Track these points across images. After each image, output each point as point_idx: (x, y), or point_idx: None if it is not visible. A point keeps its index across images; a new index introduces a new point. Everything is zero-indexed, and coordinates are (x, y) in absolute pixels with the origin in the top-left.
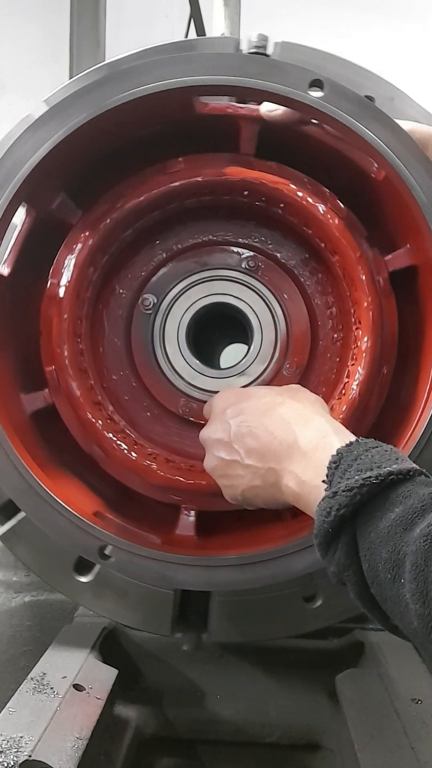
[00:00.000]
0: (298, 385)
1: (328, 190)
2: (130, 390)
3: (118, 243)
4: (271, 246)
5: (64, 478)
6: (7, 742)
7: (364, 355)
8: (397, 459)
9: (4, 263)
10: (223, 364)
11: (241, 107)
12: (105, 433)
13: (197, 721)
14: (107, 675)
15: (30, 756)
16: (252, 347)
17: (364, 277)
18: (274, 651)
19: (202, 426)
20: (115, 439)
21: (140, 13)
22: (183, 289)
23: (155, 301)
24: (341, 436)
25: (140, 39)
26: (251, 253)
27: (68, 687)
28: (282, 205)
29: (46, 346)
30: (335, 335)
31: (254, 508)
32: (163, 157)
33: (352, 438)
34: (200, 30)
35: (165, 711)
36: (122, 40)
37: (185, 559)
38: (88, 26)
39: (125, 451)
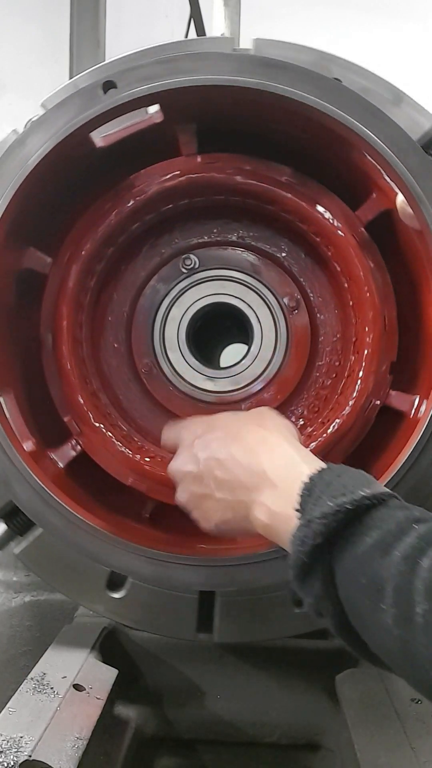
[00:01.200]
0: (267, 408)
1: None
2: (130, 390)
3: (116, 246)
4: (271, 246)
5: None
6: (7, 742)
7: (365, 353)
8: (369, 483)
9: None
10: (222, 364)
11: None
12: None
13: (197, 721)
14: (107, 675)
15: (30, 756)
16: (252, 347)
17: (362, 273)
18: (274, 651)
19: None
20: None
21: (140, 13)
22: (183, 289)
23: (155, 301)
24: (310, 464)
25: (140, 39)
26: (252, 254)
27: (68, 687)
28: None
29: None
30: (335, 335)
31: (230, 537)
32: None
33: (322, 465)
34: (200, 30)
35: (165, 711)
36: (122, 40)
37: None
38: (88, 26)
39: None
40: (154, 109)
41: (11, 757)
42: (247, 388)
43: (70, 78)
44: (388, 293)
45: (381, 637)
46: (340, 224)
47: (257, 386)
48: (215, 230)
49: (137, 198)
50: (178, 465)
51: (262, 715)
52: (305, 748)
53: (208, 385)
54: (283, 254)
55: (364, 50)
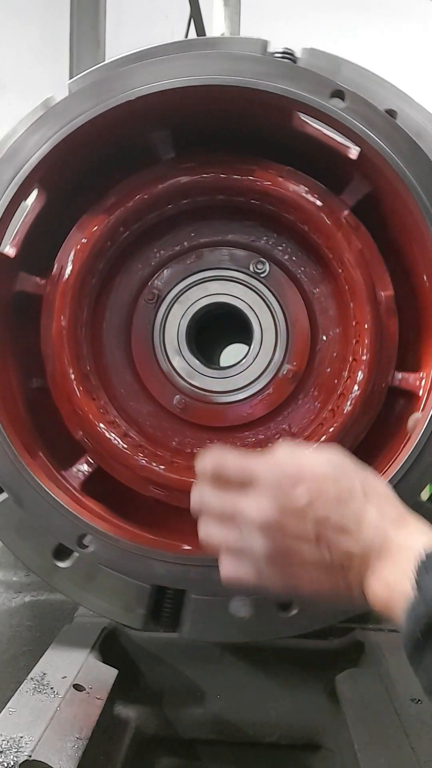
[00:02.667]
0: (361, 469)
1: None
2: (130, 390)
3: (116, 245)
4: (272, 247)
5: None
6: (7, 742)
7: (364, 357)
8: None
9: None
10: (223, 364)
11: None
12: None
13: (197, 721)
14: (107, 675)
15: (30, 756)
16: (252, 347)
17: (351, 257)
18: (274, 651)
19: (206, 427)
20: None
21: (140, 13)
22: (183, 289)
23: (155, 301)
24: (423, 534)
25: (140, 39)
26: (252, 254)
27: (68, 687)
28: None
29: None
30: (335, 336)
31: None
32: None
33: None
34: (200, 30)
35: (165, 711)
36: (122, 40)
37: (165, 555)
38: (88, 26)
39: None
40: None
41: (11, 757)
42: (247, 388)
43: (70, 78)
44: (382, 274)
45: None
46: (324, 209)
47: (258, 385)
48: (214, 230)
49: (137, 198)
50: (265, 509)
51: (262, 715)
52: (305, 748)
53: (209, 385)
54: (283, 253)
55: (364, 50)
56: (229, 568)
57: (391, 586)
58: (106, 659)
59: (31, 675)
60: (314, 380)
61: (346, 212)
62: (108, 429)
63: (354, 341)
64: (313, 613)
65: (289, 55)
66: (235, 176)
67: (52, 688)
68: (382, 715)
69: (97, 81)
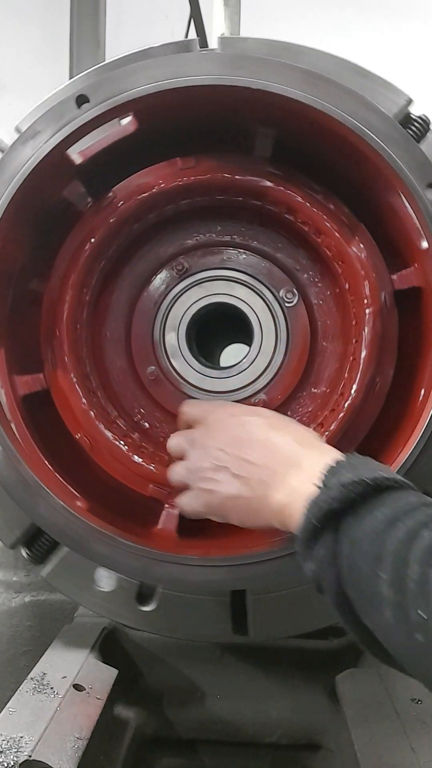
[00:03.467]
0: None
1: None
2: (130, 390)
3: (117, 244)
4: (272, 247)
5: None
6: (7, 742)
7: (363, 357)
8: (390, 472)
9: None
10: (223, 364)
11: None
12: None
13: (197, 721)
14: (107, 675)
15: (30, 756)
16: (252, 347)
17: (368, 287)
18: (274, 651)
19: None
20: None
21: (140, 13)
22: (183, 289)
23: (155, 301)
24: (337, 453)
25: (140, 39)
26: (252, 254)
27: (68, 687)
28: (291, 212)
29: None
30: (335, 335)
31: (222, 521)
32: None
33: (348, 454)
34: (200, 30)
35: (165, 711)
36: (122, 40)
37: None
38: (88, 26)
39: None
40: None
41: (11, 757)
42: (248, 388)
43: (70, 78)
44: (383, 272)
45: (374, 605)
46: (337, 224)
47: (258, 385)
48: (215, 230)
49: (139, 197)
50: (199, 434)
51: (262, 715)
52: (305, 748)
53: (209, 385)
54: (283, 254)
55: (364, 50)
56: (180, 498)
57: (296, 491)
58: (106, 659)
59: (31, 675)
60: (314, 380)
61: (390, 292)
62: (107, 429)
63: (354, 341)
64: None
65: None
66: (248, 177)
67: (52, 688)
68: (382, 715)
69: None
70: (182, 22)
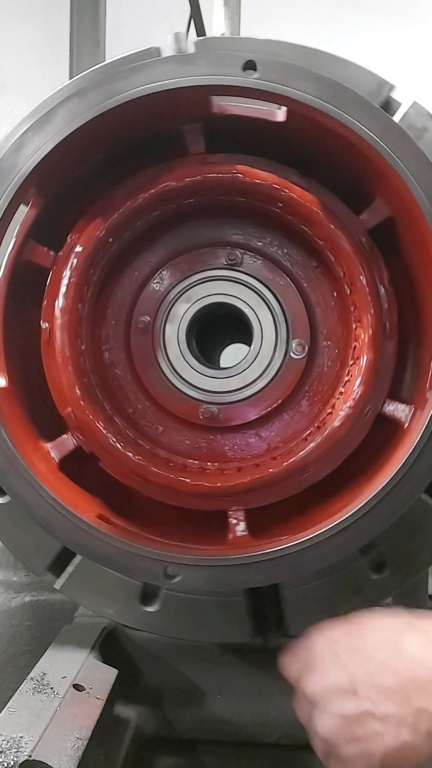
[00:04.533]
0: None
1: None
2: (130, 391)
3: (118, 243)
4: (271, 246)
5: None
6: (7, 742)
7: (364, 357)
8: None
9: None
10: (223, 364)
11: None
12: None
13: (197, 721)
14: (107, 675)
15: (30, 756)
16: (252, 347)
17: (365, 280)
18: (274, 651)
19: (205, 426)
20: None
21: (140, 13)
22: (183, 289)
23: (155, 303)
24: None
25: (140, 39)
26: (251, 253)
27: (68, 687)
28: (281, 205)
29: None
30: (335, 335)
31: None
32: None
33: None
34: (200, 30)
35: (165, 711)
36: (122, 40)
37: (247, 558)
38: (88, 26)
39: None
40: None
41: (11, 757)
42: (248, 388)
43: (70, 78)
44: (390, 300)
45: None
46: (342, 229)
47: (258, 386)
48: (218, 230)
49: (141, 195)
50: (317, 681)
51: (262, 715)
52: (305, 748)
53: (209, 385)
54: (284, 255)
55: (364, 50)
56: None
57: None
58: (106, 659)
59: (31, 675)
60: (315, 379)
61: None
62: (107, 429)
63: (353, 343)
64: (405, 566)
65: None
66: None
67: (52, 688)
68: None
69: None
70: (182, 22)
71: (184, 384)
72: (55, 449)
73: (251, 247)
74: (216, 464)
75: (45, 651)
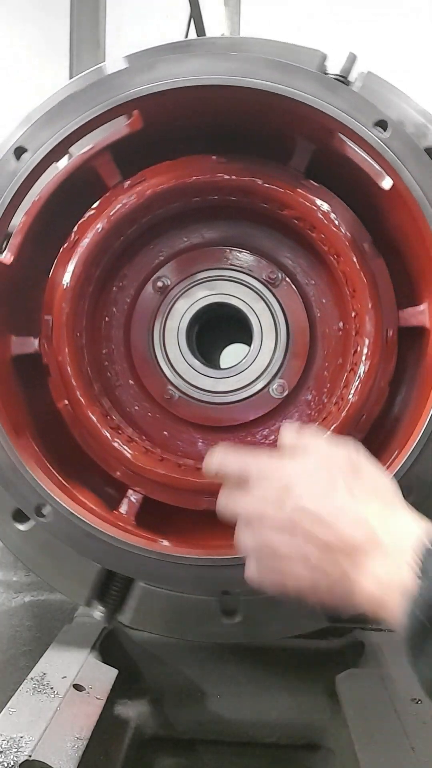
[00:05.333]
0: (356, 450)
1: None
2: (129, 389)
3: (120, 242)
4: (272, 247)
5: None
6: (7, 742)
7: (363, 359)
8: None
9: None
10: (223, 364)
11: None
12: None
13: (197, 721)
14: (107, 675)
15: (30, 756)
16: (252, 347)
17: (367, 287)
18: (274, 651)
19: (200, 427)
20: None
21: (140, 13)
22: (183, 289)
23: (155, 301)
24: (420, 525)
25: (140, 39)
26: (252, 255)
27: (68, 687)
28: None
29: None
30: (335, 336)
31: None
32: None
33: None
34: (200, 30)
35: (165, 711)
36: (122, 40)
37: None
38: (88, 26)
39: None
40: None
41: (11, 757)
42: (248, 388)
43: (70, 78)
44: (382, 270)
45: None
46: (337, 222)
47: (258, 385)
48: (216, 230)
49: (140, 196)
50: (252, 503)
51: (262, 715)
52: (305, 748)
53: (209, 385)
54: (286, 256)
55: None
56: (247, 569)
57: (385, 581)
58: (106, 659)
59: (31, 675)
60: (315, 378)
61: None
62: (107, 429)
63: (354, 322)
64: (262, 622)
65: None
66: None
67: (52, 688)
68: (382, 715)
69: None
70: (182, 22)
71: (184, 383)
72: None
73: (251, 248)
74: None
75: (45, 651)
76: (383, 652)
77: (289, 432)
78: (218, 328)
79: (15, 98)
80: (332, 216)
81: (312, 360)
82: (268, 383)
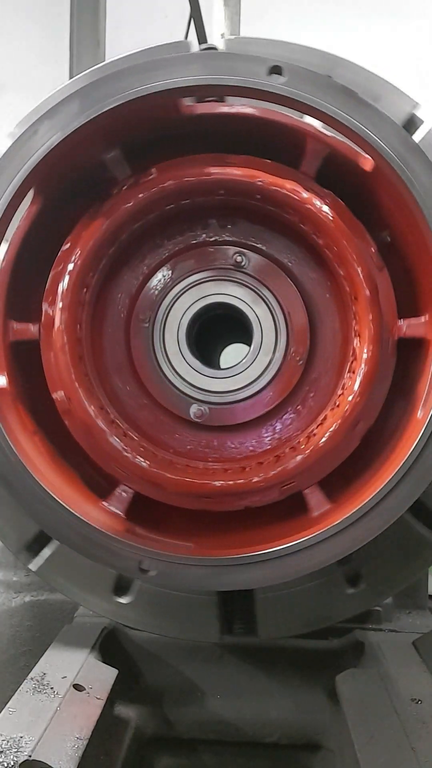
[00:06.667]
0: None
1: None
2: (129, 390)
3: (118, 243)
4: (272, 248)
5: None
6: (7, 742)
7: (362, 364)
8: None
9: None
10: (223, 364)
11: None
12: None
13: (197, 721)
14: (107, 675)
15: (30, 756)
16: (252, 347)
17: (368, 293)
18: (274, 651)
19: (204, 426)
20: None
21: (140, 13)
22: (182, 289)
23: (155, 301)
24: None
25: (140, 39)
26: (252, 254)
27: (68, 687)
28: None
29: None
30: (335, 336)
31: None
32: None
33: None
34: (200, 30)
35: (165, 711)
36: (122, 40)
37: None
38: (88, 26)
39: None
40: None
41: (11, 757)
42: (248, 388)
43: (70, 78)
44: (381, 269)
45: None
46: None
47: (258, 385)
48: (217, 230)
49: (139, 196)
50: None
51: (262, 715)
52: (305, 748)
53: (209, 385)
54: (287, 257)
55: (363, 50)
56: None
57: None
58: (106, 659)
59: (31, 675)
60: (314, 380)
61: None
62: (108, 429)
63: (354, 329)
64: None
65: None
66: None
67: (52, 688)
68: (382, 715)
69: None
70: (182, 22)
71: (184, 383)
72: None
73: (252, 248)
74: (214, 463)
75: (45, 651)
76: (383, 652)
77: None
78: (218, 328)
79: (15, 98)
80: (336, 220)
81: (311, 362)
82: (267, 384)
